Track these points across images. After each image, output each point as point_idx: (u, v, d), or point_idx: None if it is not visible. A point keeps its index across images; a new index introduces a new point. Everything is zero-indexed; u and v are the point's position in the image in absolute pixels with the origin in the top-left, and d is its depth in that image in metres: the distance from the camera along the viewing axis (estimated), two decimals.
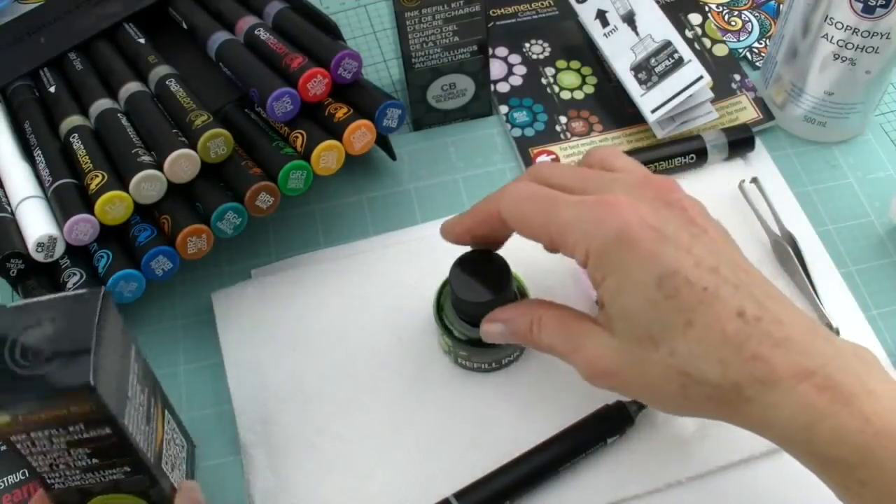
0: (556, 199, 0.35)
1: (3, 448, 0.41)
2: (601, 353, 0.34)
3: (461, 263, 0.41)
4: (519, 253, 0.44)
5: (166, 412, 0.41)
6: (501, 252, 0.42)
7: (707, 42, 0.60)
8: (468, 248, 0.43)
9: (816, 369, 0.31)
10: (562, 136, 0.56)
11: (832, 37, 0.49)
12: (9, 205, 0.46)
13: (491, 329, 0.40)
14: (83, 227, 0.43)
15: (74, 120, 0.48)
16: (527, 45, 0.61)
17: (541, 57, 0.60)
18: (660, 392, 0.34)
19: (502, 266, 0.42)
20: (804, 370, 0.31)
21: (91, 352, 0.33)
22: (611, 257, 0.33)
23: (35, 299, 0.35)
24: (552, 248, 0.36)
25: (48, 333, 0.33)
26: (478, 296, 0.41)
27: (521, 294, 0.44)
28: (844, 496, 0.32)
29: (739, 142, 0.53)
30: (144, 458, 0.37)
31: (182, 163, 0.44)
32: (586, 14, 0.58)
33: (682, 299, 0.32)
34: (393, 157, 0.55)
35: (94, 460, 0.36)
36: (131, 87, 0.49)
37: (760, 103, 0.56)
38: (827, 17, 0.48)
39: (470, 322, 0.42)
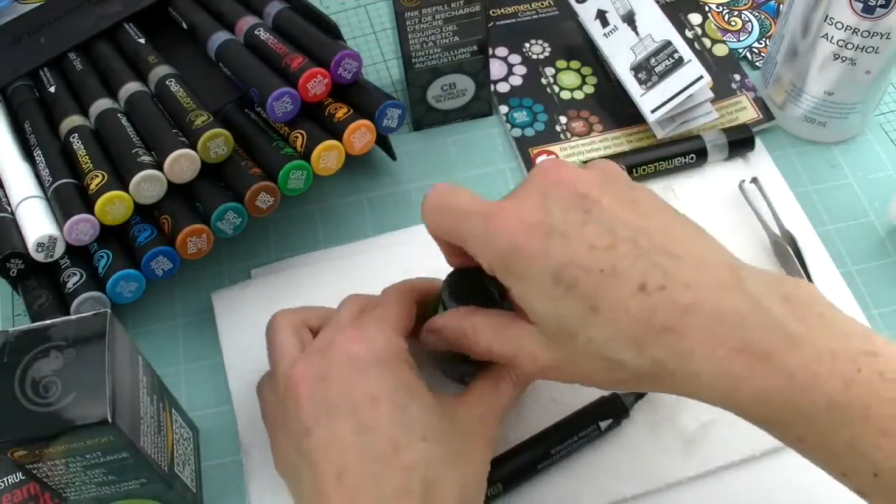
0: (459, 210, 0.35)
1: None
2: (538, 349, 0.34)
3: (454, 277, 0.41)
4: None
5: (173, 411, 0.41)
6: None
7: (707, 42, 0.60)
8: None
9: (729, 331, 0.30)
10: (562, 136, 0.56)
11: (832, 37, 0.49)
12: (9, 205, 0.46)
13: (427, 339, 0.40)
14: (83, 227, 0.43)
15: (74, 120, 0.48)
16: (527, 45, 0.61)
17: (541, 57, 0.60)
18: (594, 378, 0.34)
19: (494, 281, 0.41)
20: (716, 335, 0.30)
21: (106, 385, 0.32)
22: (507, 268, 0.33)
23: (39, 324, 0.34)
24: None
25: (58, 365, 0.33)
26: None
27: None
28: (795, 450, 0.31)
29: (739, 142, 0.53)
30: (159, 470, 0.37)
31: (182, 163, 0.44)
32: (586, 14, 0.58)
33: (582, 288, 0.31)
34: (393, 157, 0.55)
35: (111, 477, 0.36)
36: (131, 87, 0.49)
37: (760, 103, 0.56)
38: (827, 17, 0.48)
39: None
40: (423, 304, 0.42)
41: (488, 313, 0.37)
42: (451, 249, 0.39)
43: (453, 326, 0.38)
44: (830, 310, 0.31)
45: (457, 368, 0.43)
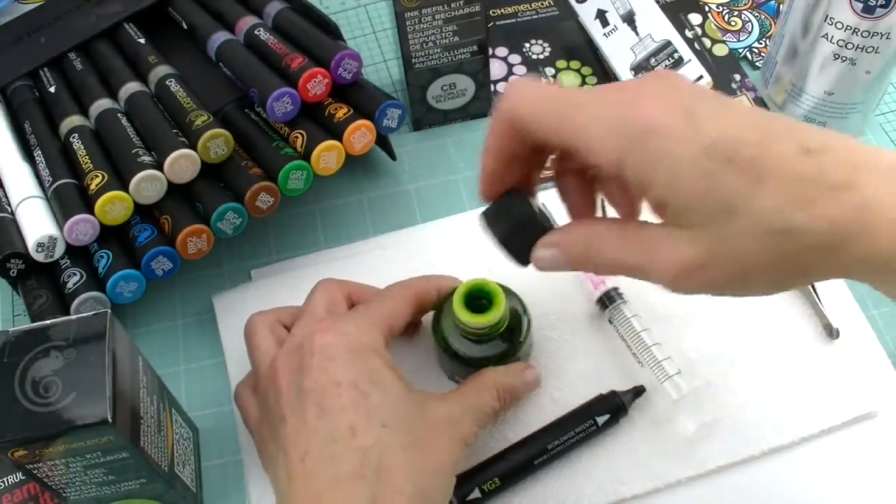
0: (572, 95, 0.32)
1: None
2: (680, 250, 0.31)
3: (494, 208, 0.37)
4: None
5: (173, 411, 0.41)
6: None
7: (707, 42, 0.60)
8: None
9: None
10: None
11: (832, 37, 0.49)
12: (9, 205, 0.46)
13: (544, 255, 0.36)
14: (83, 227, 0.43)
15: (74, 120, 0.48)
16: (527, 45, 0.61)
17: (541, 57, 0.60)
18: (756, 267, 0.30)
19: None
20: (894, 182, 0.28)
21: (106, 385, 0.32)
22: (645, 153, 0.30)
23: (39, 324, 0.34)
24: (569, 152, 0.33)
25: (58, 365, 0.33)
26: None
27: (523, 311, 0.43)
28: None
29: None
30: (159, 470, 0.37)
31: (182, 163, 0.44)
32: (586, 14, 0.58)
33: (743, 158, 0.29)
34: (393, 157, 0.55)
35: (111, 477, 0.36)
36: (131, 87, 0.49)
37: (760, 103, 0.56)
38: (827, 16, 0.48)
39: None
40: (423, 304, 0.42)
41: (611, 221, 0.34)
42: (514, 150, 0.35)
43: (575, 239, 0.35)
44: None
45: (456, 369, 0.43)
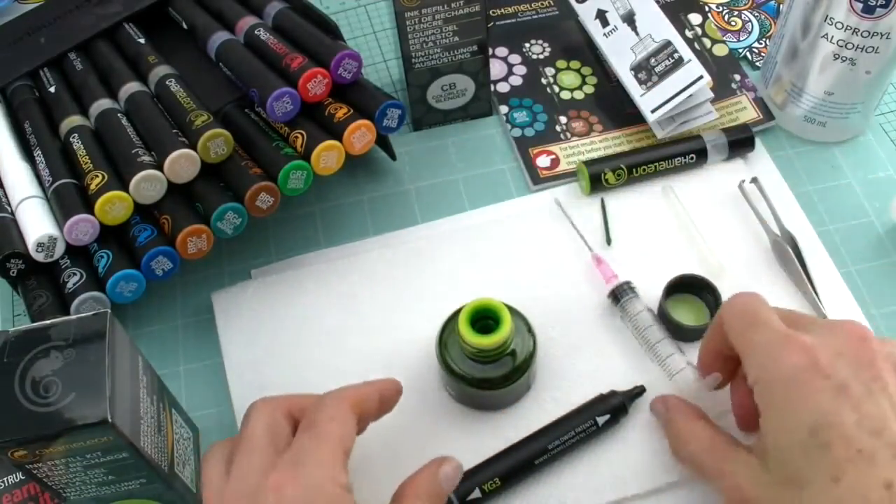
0: (757, 320, 0.36)
1: None
2: (748, 482, 0.35)
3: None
4: (526, 259, 0.43)
5: (173, 411, 0.41)
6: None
7: (707, 42, 0.60)
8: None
9: None
10: (562, 136, 0.56)
11: (832, 37, 0.49)
12: (9, 205, 0.46)
13: (654, 407, 0.42)
14: (83, 227, 0.43)
15: (74, 120, 0.48)
16: (527, 45, 0.61)
17: (541, 57, 0.60)
18: None
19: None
20: None
21: (105, 385, 0.32)
22: (775, 394, 0.34)
23: (39, 324, 0.34)
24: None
25: (58, 365, 0.33)
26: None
27: (528, 330, 0.43)
28: None
29: (739, 142, 0.53)
30: (159, 470, 0.37)
31: (182, 163, 0.44)
32: (586, 14, 0.58)
33: (834, 454, 0.32)
34: (393, 157, 0.55)
35: (111, 477, 0.36)
36: (131, 87, 0.49)
37: (760, 103, 0.56)
38: (827, 17, 0.48)
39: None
40: (367, 413, 0.38)
41: (709, 425, 0.39)
42: (720, 347, 0.39)
43: (673, 420, 0.40)
44: None
45: (461, 391, 0.43)
